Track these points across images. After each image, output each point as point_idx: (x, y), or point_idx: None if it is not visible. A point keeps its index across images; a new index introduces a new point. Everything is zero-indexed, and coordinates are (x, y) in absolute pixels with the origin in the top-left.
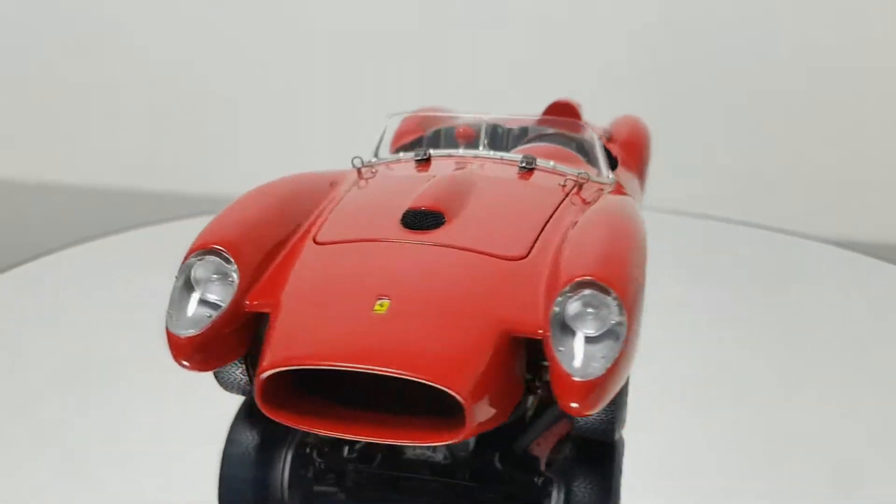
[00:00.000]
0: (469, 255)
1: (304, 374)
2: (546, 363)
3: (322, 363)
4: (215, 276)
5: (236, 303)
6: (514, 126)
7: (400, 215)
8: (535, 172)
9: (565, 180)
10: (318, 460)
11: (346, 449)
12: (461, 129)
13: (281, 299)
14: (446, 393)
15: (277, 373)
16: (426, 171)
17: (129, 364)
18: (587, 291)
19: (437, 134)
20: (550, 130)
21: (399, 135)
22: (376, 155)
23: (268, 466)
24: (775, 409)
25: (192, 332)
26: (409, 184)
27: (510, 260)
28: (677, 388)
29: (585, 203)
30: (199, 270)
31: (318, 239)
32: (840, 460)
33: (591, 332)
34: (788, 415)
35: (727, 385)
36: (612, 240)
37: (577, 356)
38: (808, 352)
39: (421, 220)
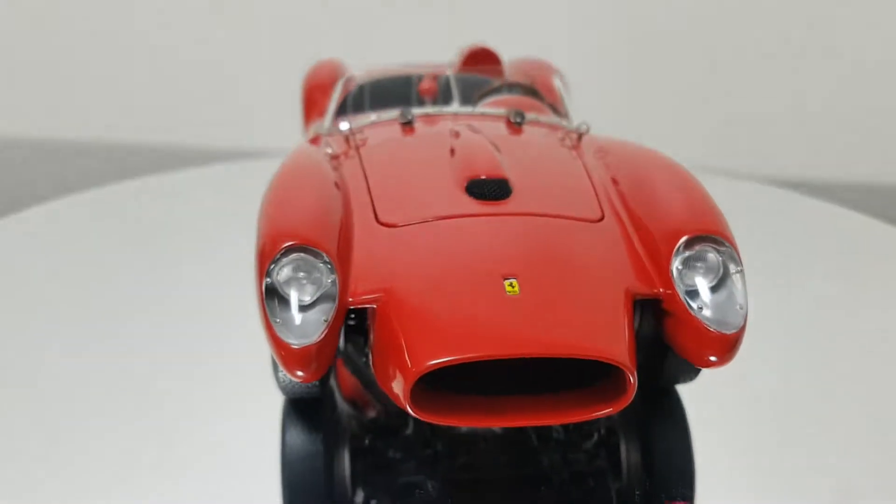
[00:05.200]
0: (557, 221)
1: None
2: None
3: (492, 353)
4: (301, 274)
5: (341, 301)
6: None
7: (460, 185)
8: (525, 127)
9: (563, 134)
10: (383, 449)
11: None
12: (425, 85)
13: (390, 289)
14: (570, 369)
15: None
16: (415, 133)
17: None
18: (702, 245)
19: (360, 91)
20: (498, 82)
21: (312, 88)
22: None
23: (330, 468)
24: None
25: (307, 341)
26: (432, 149)
27: (593, 222)
28: None
29: (600, 154)
30: (283, 273)
31: (382, 220)
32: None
33: (711, 282)
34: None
35: None
36: (685, 185)
37: (713, 309)
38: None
39: (489, 189)
